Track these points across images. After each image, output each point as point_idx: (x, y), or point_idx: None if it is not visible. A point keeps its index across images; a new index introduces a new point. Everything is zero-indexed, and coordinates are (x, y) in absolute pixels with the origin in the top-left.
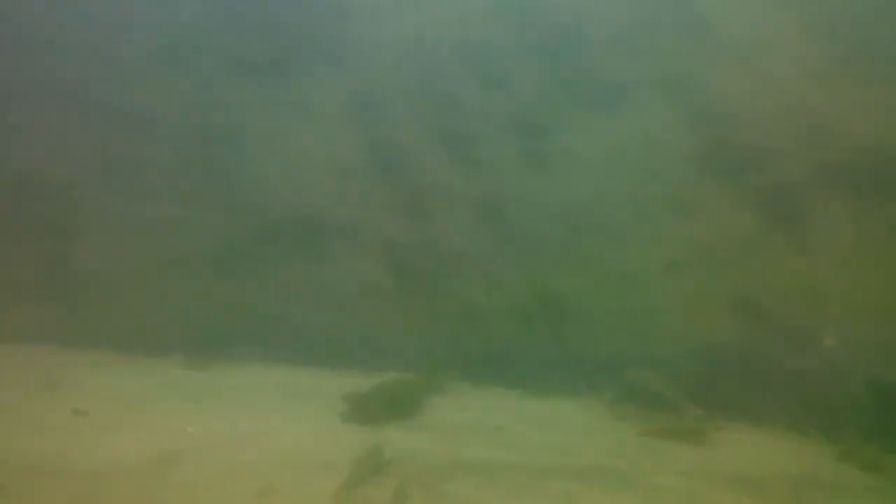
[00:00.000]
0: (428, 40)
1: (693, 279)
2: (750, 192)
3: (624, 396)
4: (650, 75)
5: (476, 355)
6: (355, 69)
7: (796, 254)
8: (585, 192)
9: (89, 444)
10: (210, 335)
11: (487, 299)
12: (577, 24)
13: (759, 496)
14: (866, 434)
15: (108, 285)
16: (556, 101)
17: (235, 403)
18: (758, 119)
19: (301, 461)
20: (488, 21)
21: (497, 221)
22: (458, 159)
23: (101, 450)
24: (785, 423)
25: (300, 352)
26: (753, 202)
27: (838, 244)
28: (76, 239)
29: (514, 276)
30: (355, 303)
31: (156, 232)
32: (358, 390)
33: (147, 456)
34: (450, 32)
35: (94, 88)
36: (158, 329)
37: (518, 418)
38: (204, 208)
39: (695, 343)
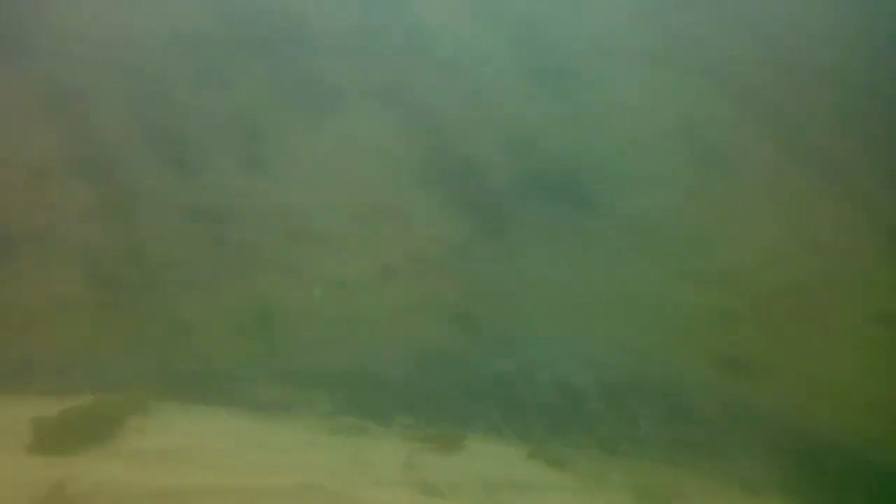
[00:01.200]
0: (136, 31)
1: (408, 287)
2: (460, 199)
3: (340, 409)
4: (369, 82)
5: (186, 372)
6: (51, 58)
7: (502, 260)
8: (303, 198)
9: None
10: None
11: (200, 312)
12: (299, 25)
13: (456, 496)
14: (553, 431)
15: None
16: (276, 103)
17: None
18: (468, 128)
19: None
20: (204, 15)
21: (211, 229)
22: (168, 161)
23: None
24: (486, 427)
25: None
26: (464, 209)
27: (536, 250)
28: None
29: (229, 286)
30: (47, 318)
31: None
32: (47, 416)
33: None
34: (161, 24)
35: None
36: None
37: (229, 438)
38: None
39: (409, 351)
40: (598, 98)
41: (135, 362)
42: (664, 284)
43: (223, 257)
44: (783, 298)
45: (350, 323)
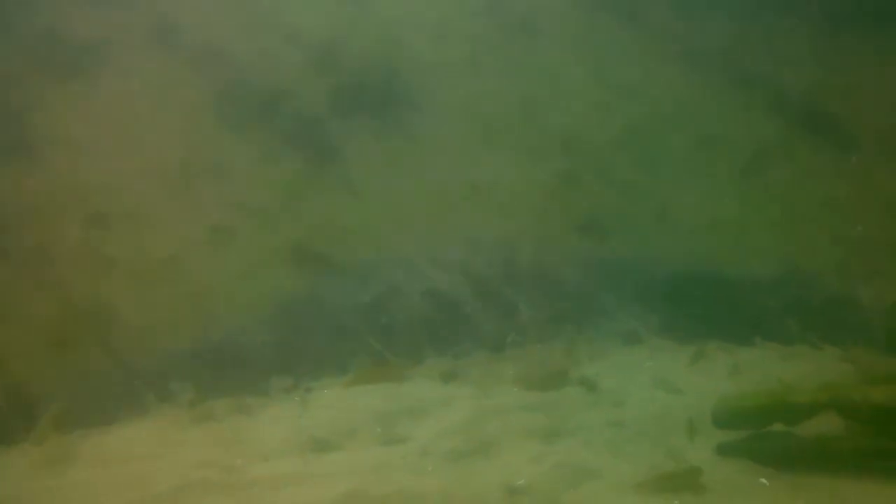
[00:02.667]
0: None
1: (246, 242)
2: (278, 133)
3: (206, 393)
4: (135, 27)
5: (7, 407)
6: None
7: (339, 186)
8: (96, 176)
9: None
10: None
11: (2, 336)
12: None
13: (352, 443)
14: (438, 346)
15: None
16: (22, 73)
17: None
18: (261, 55)
19: None
20: None
21: None
22: None
23: None
24: (370, 360)
25: None
26: (284, 143)
27: (372, 167)
28: None
29: (31, 296)
30: None
31: None
32: None
33: None
34: None
35: None
36: None
37: (78, 465)
38: None
39: (268, 308)
40: None
41: None
42: (508, 165)
43: (14, 266)
44: (618, 148)
45: (191, 298)
